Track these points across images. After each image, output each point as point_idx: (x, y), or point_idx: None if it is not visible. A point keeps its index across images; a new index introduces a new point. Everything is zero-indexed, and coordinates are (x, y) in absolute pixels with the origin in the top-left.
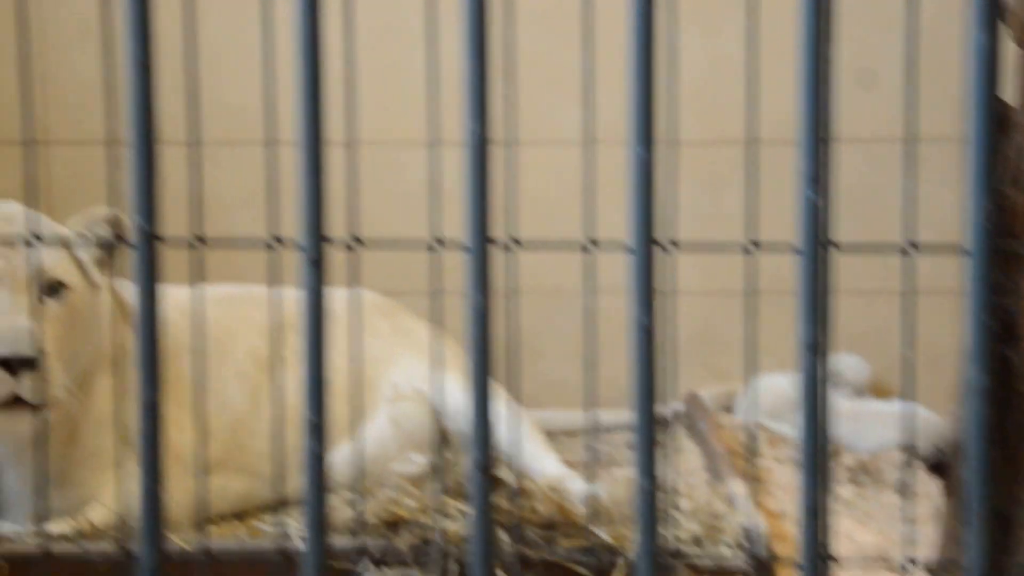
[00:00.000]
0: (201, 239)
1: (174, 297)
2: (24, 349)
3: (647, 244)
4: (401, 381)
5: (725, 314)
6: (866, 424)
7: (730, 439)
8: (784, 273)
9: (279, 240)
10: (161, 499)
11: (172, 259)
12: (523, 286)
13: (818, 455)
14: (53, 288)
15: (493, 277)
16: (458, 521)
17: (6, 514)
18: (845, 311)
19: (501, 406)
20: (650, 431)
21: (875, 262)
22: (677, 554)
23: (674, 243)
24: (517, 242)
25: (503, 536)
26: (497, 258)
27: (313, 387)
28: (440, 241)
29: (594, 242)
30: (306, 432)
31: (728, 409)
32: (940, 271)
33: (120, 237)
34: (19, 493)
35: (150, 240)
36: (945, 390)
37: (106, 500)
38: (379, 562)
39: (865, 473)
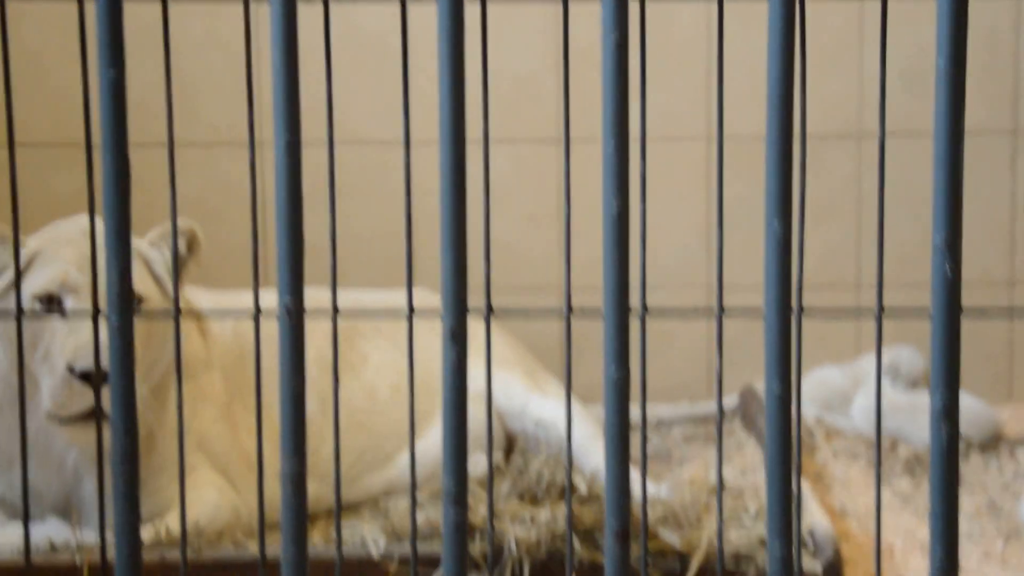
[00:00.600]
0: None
1: (241, 302)
2: (103, 363)
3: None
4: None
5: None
6: (921, 416)
7: None
8: (832, 269)
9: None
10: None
11: (236, 265)
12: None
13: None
14: (135, 302)
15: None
16: (529, 527)
17: (86, 523)
18: (898, 303)
19: (569, 408)
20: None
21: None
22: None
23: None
24: (646, 308)
25: (576, 542)
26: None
27: (456, 457)
28: (572, 308)
29: (724, 309)
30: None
31: None
32: (989, 265)
33: (192, 248)
34: (97, 502)
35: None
36: (997, 380)
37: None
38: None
39: (920, 465)
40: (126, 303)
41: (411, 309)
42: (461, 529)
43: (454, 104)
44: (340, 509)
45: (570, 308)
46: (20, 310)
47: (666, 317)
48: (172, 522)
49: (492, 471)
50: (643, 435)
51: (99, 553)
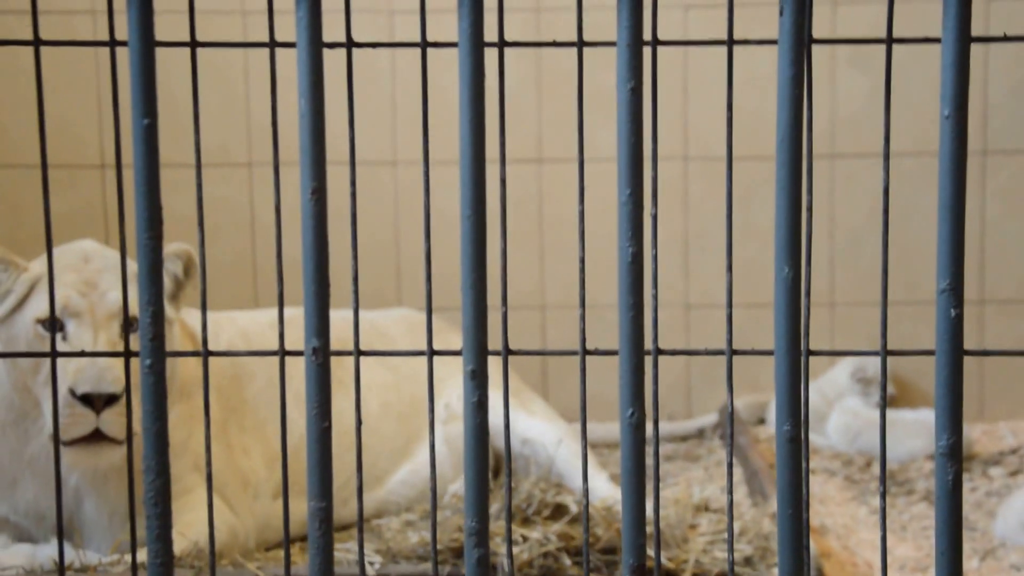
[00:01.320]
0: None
1: (236, 322)
2: (106, 387)
3: None
4: (453, 402)
5: (758, 325)
6: (896, 431)
7: (768, 453)
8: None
9: (436, 353)
10: (330, 527)
11: (226, 285)
12: (563, 301)
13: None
14: (131, 324)
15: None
16: (521, 546)
17: (88, 544)
18: (874, 317)
19: (553, 425)
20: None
21: (900, 272)
22: None
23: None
24: (661, 351)
25: (566, 560)
26: (533, 274)
27: (477, 496)
28: (588, 351)
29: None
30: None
31: (761, 420)
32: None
33: (188, 271)
34: (98, 523)
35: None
36: (969, 400)
37: (181, 528)
38: None
39: (896, 483)
40: (159, 344)
41: (431, 351)
42: (483, 563)
43: (474, 147)
44: (363, 533)
45: (585, 349)
46: (55, 351)
47: (678, 355)
48: (200, 538)
49: (510, 505)
50: (656, 472)
51: (99, 574)
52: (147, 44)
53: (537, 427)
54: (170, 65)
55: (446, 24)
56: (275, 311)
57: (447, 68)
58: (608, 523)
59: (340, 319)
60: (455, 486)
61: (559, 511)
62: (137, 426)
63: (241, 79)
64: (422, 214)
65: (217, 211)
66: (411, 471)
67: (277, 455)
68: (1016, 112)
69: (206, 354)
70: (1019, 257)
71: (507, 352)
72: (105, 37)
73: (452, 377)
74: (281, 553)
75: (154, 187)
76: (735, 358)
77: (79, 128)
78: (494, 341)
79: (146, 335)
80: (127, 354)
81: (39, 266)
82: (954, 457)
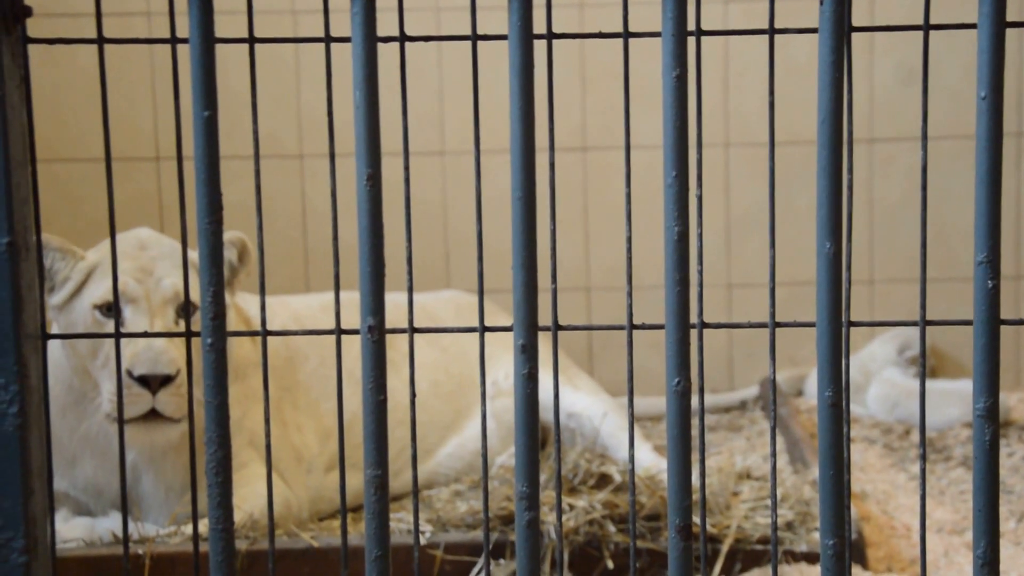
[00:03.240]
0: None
1: (289, 306)
2: (162, 368)
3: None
4: (500, 378)
5: (797, 302)
6: (934, 400)
7: (808, 423)
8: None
9: (486, 329)
10: (385, 493)
11: (278, 270)
12: (606, 283)
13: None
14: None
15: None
16: (568, 515)
17: (146, 517)
18: (912, 294)
19: (598, 399)
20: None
21: (937, 251)
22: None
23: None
24: (706, 324)
25: (611, 527)
26: (578, 256)
27: (528, 462)
28: (635, 325)
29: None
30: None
31: (799, 392)
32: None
33: (243, 258)
34: (155, 497)
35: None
36: (1006, 368)
37: (237, 500)
38: (496, 555)
39: (934, 450)
40: (220, 323)
41: (483, 327)
42: (534, 526)
43: (524, 134)
44: (418, 504)
45: (632, 324)
46: (119, 332)
47: (722, 329)
48: (254, 510)
49: (560, 474)
50: (701, 445)
51: (158, 545)
52: (208, 41)
53: (583, 401)
54: (221, 61)
55: (493, 19)
56: (325, 295)
57: (492, 61)
58: (652, 491)
59: (389, 302)
60: (502, 458)
61: (604, 480)
62: (194, 405)
63: (292, 73)
64: (468, 201)
65: (269, 200)
66: (459, 444)
67: (329, 431)
68: None
69: (265, 334)
70: None
71: (556, 327)
72: (160, 34)
73: (499, 356)
74: (332, 523)
75: (214, 176)
76: (777, 332)
77: (136, 122)
78: (542, 319)
79: (207, 314)
80: (188, 334)
81: (95, 255)
82: (991, 418)
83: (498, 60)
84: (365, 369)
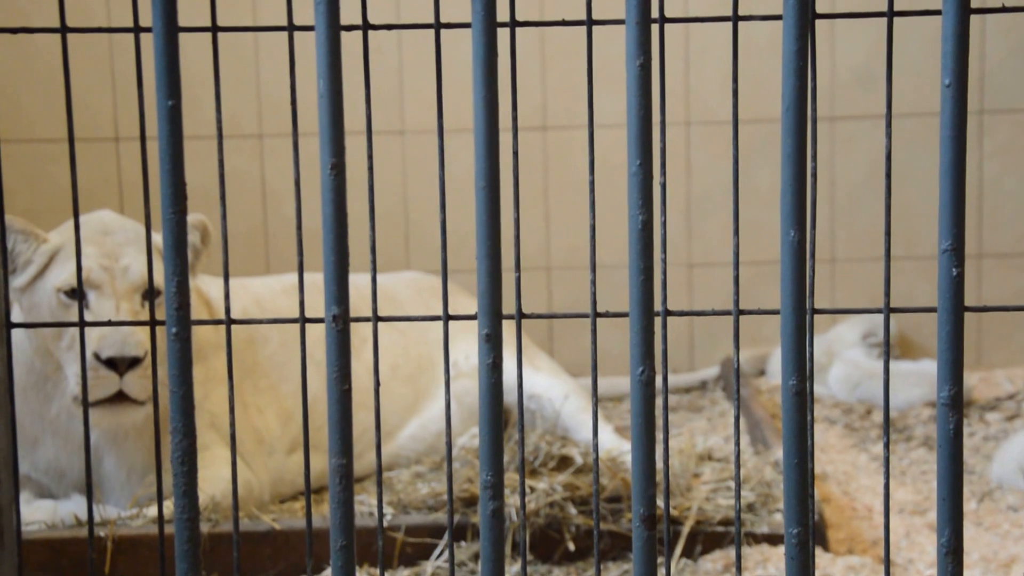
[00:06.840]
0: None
1: (249, 288)
2: (129, 351)
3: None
4: (460, 359)
5: (760, 281)
6: (896, 382)
7: (770, 404)
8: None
9: (451, 318)
10: (351, 483)
11: (239, 252)
12: (567, 262)
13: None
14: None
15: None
16: (527, 496)
17: (107, 499)
18: (874, 273)
19: (559, 380)
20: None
21: (899, 229)
22: (733, 522)
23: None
24: (670, 312)
25: (572, 510)
26: (539, 237)
27: (492, 451)
28: (599, 313)
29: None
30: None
31: (761, 372)
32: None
33: (204, 240)
34: (116, 479)
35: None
36: (967, 348)
37: (199, 483)
38: (458, 537)
39: (895, 430)
40: (184, 313)
41: (447, 316)
42: (498, 515)
43: (488, 125)
44: (381, 487)
45: (596, 312)
46: (83, 321)
47: (686, 317)
48: (216, 492)
49: (523, 460)
50: (665, 428)
51: (120, 527)
52: (171, 30)
53: (543, 382)
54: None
55: (453, 4)
56: (286, 277)
57: (451, 42)
58: (614, 473)
59: (351, 284)
60: (463, 439)
61: (564, 462)
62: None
63: (251, 53)
64: (428, 181)
65: (229, 181)
66: (420, 426)
67: (290, 414)
68: (1013, 73)
69: (229, 322)
70: (1015, 212)
71: (520, 316)
72: (119, 19)
73: (459, 337)
74: (294, 505)
75: (178, 165)
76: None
77: (94, 103)
78: (506, 304)
79: (172, 304)
80: (152, 323)
81: (58, 237)
82: (955, 407)
83: (457, 40)
84: (330, 358)
